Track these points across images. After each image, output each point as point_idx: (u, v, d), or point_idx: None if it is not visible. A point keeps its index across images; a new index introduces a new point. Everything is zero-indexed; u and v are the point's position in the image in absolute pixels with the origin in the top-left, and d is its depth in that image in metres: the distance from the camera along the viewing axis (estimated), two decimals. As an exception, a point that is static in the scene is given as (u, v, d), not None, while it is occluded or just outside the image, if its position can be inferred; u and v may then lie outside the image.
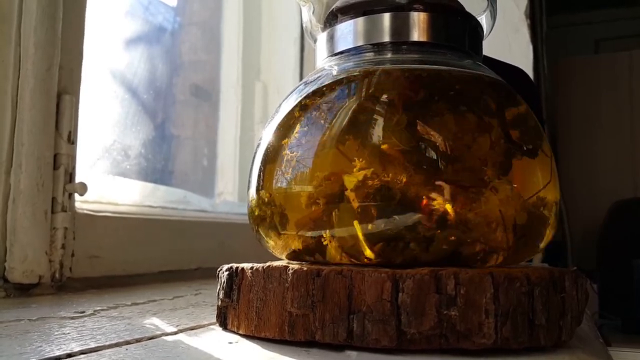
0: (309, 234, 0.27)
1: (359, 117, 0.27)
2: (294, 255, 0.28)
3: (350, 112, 0.27)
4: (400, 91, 0.27)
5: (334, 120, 0.27)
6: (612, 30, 1.67)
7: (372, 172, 0.25)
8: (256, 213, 0.29)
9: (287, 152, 0.28)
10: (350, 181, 0.25)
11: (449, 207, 0.25)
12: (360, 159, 0.25)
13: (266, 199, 0.28)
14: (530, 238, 0.27)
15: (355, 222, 0.25)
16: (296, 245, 0.27)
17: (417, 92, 0.27)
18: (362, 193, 0.25)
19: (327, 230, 0.26)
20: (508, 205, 0.25)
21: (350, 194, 0.25)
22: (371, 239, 0.25)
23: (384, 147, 0.25)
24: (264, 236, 0.29)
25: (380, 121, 0.26)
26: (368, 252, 0.25)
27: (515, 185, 0.26)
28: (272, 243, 0.29)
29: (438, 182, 0.25)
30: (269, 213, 0.28)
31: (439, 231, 0.25)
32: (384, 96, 0.27)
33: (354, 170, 0.25)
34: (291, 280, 0.24)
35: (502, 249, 0.26)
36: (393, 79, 0.28)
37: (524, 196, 0.26)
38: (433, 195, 0.25)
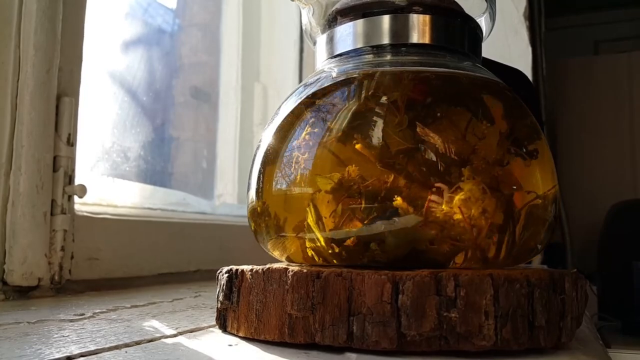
0: (308, 236, 0.26)
1: (358, 119, 0.27)
2: (293, 257, 0.28)
3: (349, 114, 0.27)
4: (400, 93, 0.27)
5: (333, 122, 0.27)
6: (611, 31, 1.67)
7: (370, 174, 0.25)
8: (256, 215, 0.29)
9: (287, 154, 0.28)
10: (348, 183, 0.25)
11: (448, 209, 0.25)
12: (359, 161, 0.25)
13: (266, 201, 0.28)
14: (529, 239, 0.27)
15: (353, 224, 0.25)
16: (296, 247, 0.27)
17: (416, 94, 0.27)
18: (359, 195, 0.25)
19: (325, 232, 0.26)
20: (508, 206, 0.25)
21: (347, 196, 0.25)
22: (367, 240, 0.25)
23: (383, 149, 0.25)
24: (263, 238, 0.29)
25: (379, 123, 0.26)
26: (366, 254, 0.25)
27: (515, 187, 0.26)
28: (271, 245, 0.29)
29: (437, 184, 0.25)
30: (269, 215, 0.28)
31: (437, 233, 0.25)
32: (384, 98, 0.27)
33: (352, 172, 0.25)
34: (291, 282, 0.24)
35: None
36: (392, 81, 0.28)
37: (523, 197, 0.26)
38: (432, 197, 0.25)
